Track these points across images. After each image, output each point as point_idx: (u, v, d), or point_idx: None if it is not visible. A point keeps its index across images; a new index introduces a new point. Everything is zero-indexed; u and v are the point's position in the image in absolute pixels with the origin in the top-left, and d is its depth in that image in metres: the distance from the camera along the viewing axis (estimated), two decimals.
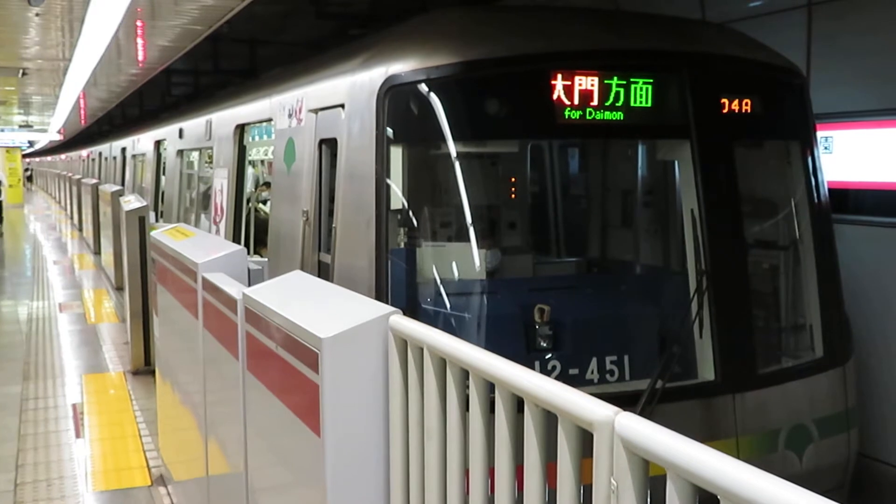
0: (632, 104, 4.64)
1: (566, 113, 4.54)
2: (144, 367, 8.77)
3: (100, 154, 26.46)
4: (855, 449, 5.11)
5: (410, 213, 4.84)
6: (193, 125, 10.80)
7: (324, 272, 5.36)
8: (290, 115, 6.36)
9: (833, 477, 4.95)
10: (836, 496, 4.41)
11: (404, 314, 2.77)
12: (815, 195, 5.26)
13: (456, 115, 4.64)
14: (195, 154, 11.23)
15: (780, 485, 1.35)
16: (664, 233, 5.80)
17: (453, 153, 4.67)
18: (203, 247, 4.80)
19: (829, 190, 5.43)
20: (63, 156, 47.68)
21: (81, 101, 20.66)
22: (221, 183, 8.61)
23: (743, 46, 5.26)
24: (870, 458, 5.99)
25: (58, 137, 40.76)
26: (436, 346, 2.46)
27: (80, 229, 23.50)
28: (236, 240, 8.09)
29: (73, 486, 5.86)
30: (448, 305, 4.73)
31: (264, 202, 9.58)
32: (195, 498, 4.96)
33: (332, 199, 5.43)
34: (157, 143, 14.33)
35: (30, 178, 53.54)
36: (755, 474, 1.39)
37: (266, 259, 6.50)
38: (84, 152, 33.19)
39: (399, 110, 4.68)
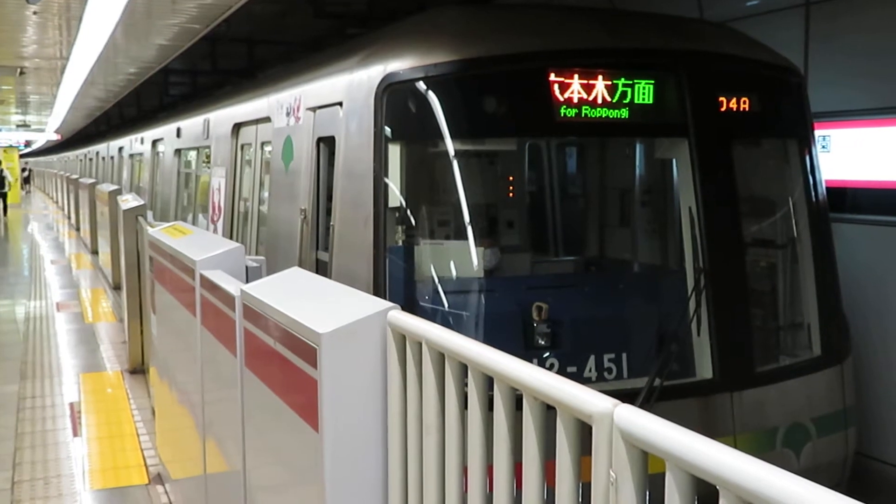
0: (627, 102, 4.64)
1: (562, 111, 4.54)
2: (142, 366, 8.75)
3: (97, 154, 26.46)
4: (853, 447, 5.11)
5: (408, 211, 4.83)
6: (191, 124, 10.79)
7: (322, 270, 5.35)
8: (288, 114, 6.35)
9: (831, 475, 4.95)
10: None
11: None
12: (813, 194, 5.27)
13: (454, 113, 4.64)
14: (192, 153, 11.22)
15: (779, 475, 1.34)
16: (662, 231, 5.80)
17: (451, 151, 4.67)
18: (201, 244, 4.78)
19: (827, 188, 5.44)
20: (60, 155, 47.61)
21: (79, 101, 20.66)
22: (219, 181, 8.60)
23: (741, 45, 5.26)
24: (868, 457, 5.99)
25: (55, 137, 40.71)
26: (434, 341, 2.45)
27: (78, 229, 23.46)
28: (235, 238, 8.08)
29: (71, 485, 5.85)
30: (446, 303, 4.73)
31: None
32: (192, 496, 4.95)
33: (330, 198, 5.43)
34: (155, 143, 14.33)
35: (27, 180, 52.51)
36: (755, 465, 1.39)
37: (264, 257, 6.50)
38: (81, 152, 33.17)
39: (397, 108, 4.67)
